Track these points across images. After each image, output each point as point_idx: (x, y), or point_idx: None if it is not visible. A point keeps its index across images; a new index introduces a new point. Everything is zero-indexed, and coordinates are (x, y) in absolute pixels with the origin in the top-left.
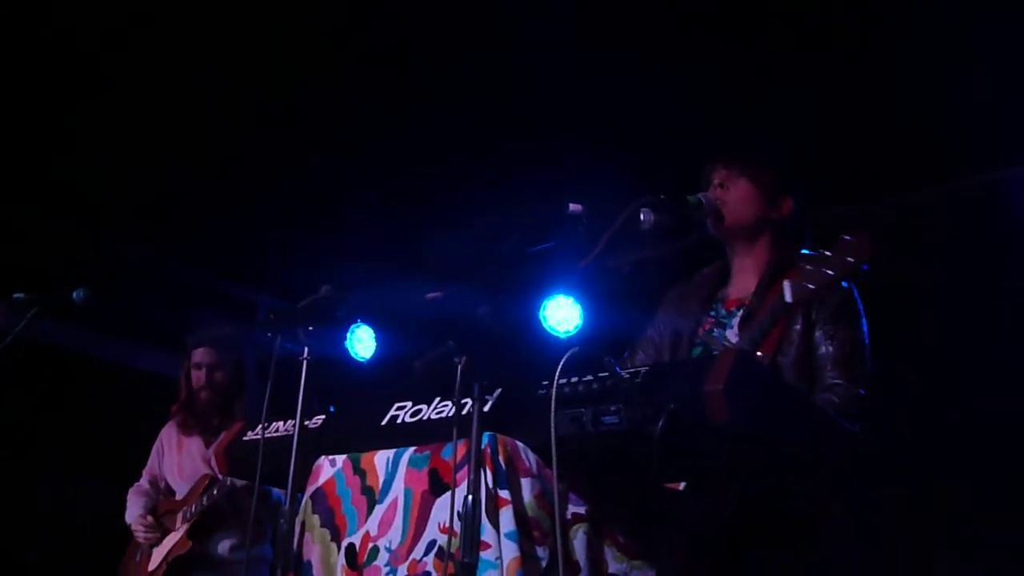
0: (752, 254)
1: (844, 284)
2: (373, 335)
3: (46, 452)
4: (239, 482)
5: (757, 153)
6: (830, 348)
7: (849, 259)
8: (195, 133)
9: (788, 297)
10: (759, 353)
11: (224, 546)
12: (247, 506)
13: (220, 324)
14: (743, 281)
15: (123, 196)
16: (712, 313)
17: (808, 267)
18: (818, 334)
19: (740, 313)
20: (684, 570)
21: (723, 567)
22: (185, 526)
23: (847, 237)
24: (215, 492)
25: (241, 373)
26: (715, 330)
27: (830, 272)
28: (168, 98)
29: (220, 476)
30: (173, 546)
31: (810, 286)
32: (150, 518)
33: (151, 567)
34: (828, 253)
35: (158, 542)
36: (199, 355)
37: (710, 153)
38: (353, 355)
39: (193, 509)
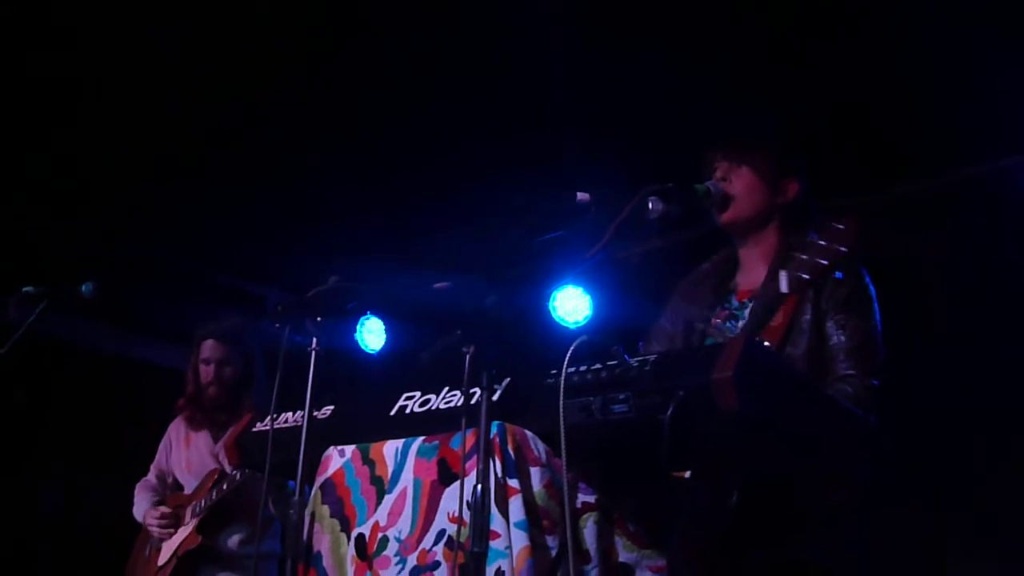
0: (761, 242)
1: (839, 275)
2: (383, 327)
3: (53, 446)
4: (250, 475)
5: (756, 139)
6: (842, 338)
7: (842, 248)
8: (202, 127)
9: (783, 288)
10: (766, 343)
11: (233, 540)
12: (258, 499)
13: (228, 316)
14: (753, 271)
15: (131, 191)
16: (726, 305)
17: (803, 256)
18: (829, 324)
19: (751, 304)
20: (695, 559)
21: (733, 555)
22: (195, 521)
23: (839, 226)
24: (224, 487)
25: (250, 367)
26: (728, 322)
27: (824, 262)
28: (174, 92)
29: (228, 470)
30: (183, 541)
31: (805, 276)
32: (163, 508)
33: (160, 561)
34: (822, 242)
35: (171, 534)
36: (207, 350)
37: (710, 142)
38: (363, 347)
39: (203, 504)
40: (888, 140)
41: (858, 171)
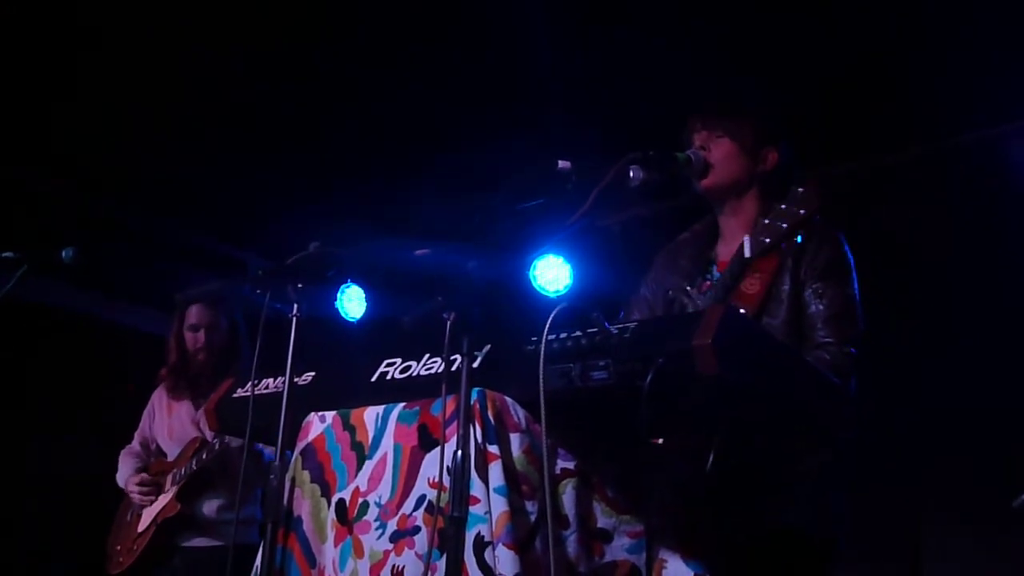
0: (740, 211)
1: (799, 239)
2: (363, 295)
3: (34, 412)
4: (231, 442)
5: (734, 108)
6: (820, 307)
7: (801, 211)
8: (184, 93)
9: (747, 252)
10: (742, 311)
11: (212, 507)
12: (237, 468)
13: (210, 282)
14: (733, 240)
15: (112, 155)
16: (707, 275)
17: (765, 221)
18: (808, 293)
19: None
20: (674, 525)
21: (712, 520)
22: (175, 488)
23: (799, 189)
24: (204, 456)
25: (235, 332)
26: (710, 292)
27: (784, 225)
28: (158, 57)
29: (209, 438)
30: (163, 508)
31: (766, 240)
32: (144, 475)
33: (140, 528)
34: (783, 206)
35: (152, 502)
36: (194, 315)
37: (689, 111)
38: (343, 315)
39: (182, 472)
40: (876, 111)
41: (845, 142)
